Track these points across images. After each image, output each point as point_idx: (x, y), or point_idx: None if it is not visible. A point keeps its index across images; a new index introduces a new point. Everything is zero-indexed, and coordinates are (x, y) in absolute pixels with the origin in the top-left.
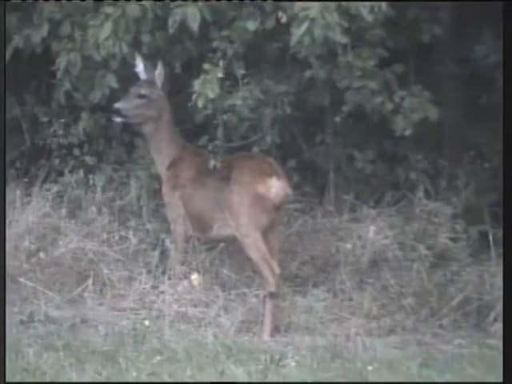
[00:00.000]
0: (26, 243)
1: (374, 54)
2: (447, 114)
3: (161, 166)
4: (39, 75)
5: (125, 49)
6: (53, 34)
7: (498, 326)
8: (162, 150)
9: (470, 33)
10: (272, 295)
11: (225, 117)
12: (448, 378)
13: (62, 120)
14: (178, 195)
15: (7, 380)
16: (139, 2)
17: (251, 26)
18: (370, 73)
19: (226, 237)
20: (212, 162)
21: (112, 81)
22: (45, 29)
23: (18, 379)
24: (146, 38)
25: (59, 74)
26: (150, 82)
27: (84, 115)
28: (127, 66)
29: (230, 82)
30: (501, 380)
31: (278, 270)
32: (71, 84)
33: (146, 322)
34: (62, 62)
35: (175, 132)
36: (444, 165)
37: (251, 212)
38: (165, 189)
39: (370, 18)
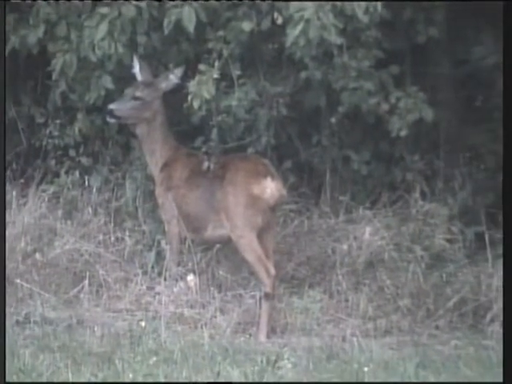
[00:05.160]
0: (22, 244)
1: (370, 54)
2: (443, 114)
3: (154, 168)
4: (35, 76)
5: (120, 49)
6: (49, 35)
7: (495, 327)
8: (155, 152)
9: (467, 34)
10: (268, 296)
11: (220, 118)
12: (444, 378)
13: (58, 121)
14: (172, 197)
15: (7, 380)
16: (135, 3)
17: (247, 26)
18: (365, 74)
19: (221, 237)
20: (206, 164)
21: (108, 82)
22: (41, 29)
23: (14, 380)
24: (141, 38)
25: (55, 75)
26: (146, 84)
27: (80, 116)
28: (123, 66)
29: (225, 83)
30: (499, 380)
31: (273, 271)
32: (67, 85)
33: (142, 323)
34: (57, 63)
35: (168, 134)
36: (440, 166)
37: (246, 213)
38: (158, 190)
39: (365, 18)
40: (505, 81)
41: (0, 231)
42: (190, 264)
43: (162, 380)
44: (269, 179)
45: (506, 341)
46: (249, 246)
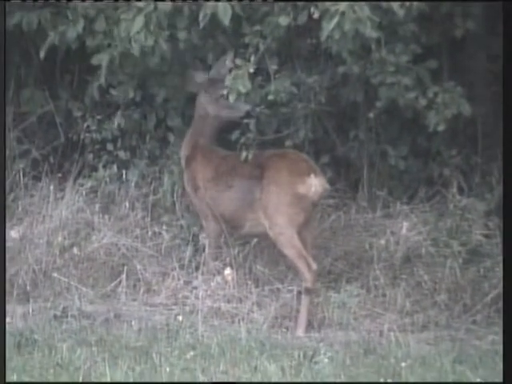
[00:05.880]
0: (60, 238)
1: (408, 49)
2: (480, 109)
3: (182, 162)
4: (73, 70)
5: (156, 43)
6: (88, 31)
7: None
8: (180, 148)
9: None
10: (308, 291)
11: (258, 110)
12: (481, 373)
13: (96, 115)
14: (201, 197)
15: (7, 380)
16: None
17: (283, 21)
18: (403, 68)
19: (260, 234)
20: (244, 154)
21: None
22: (80, 25)
23: (51, 374)
24: (177, 32)
25: (93, 70)
26: None
27: (118, 110)
28: (160, 60)
29: (262, 77)
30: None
31: (314, 266)
32: (105, 79)
33: (180, 318)
34: (103, 61)
35: (192, 128)
36: (477, 161)
37: (289, 211)
38: (187, 188)
39: (401, 12)
40: (505, 81)
41: (0, 230)
42: (227, 258)
43: (199, 374)
44: (312, 176)
45: (505, 341)
46: (289, 243)
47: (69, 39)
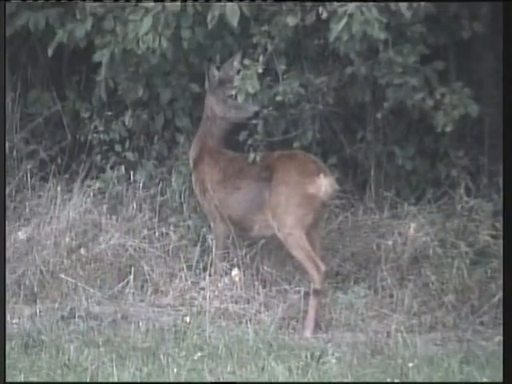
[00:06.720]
0: (67, 239)
1: (415, 50)
2: (488, 110)
3: (191, 163)
4: (80, 71)
5: (164, 44)
6: (96, 29)
7: None
8: (189, 149)
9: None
10: (317, 292)
11: (266, 111)
12: (488, 374)
13: (104, 116)
14: (209, 199)
15: (7, 380)
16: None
17: (291, 21)
18: (410, 69)
19: (268, 235)
20: (251, 156)
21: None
22: (88, 23)
23: (58, 374)
24: (185, 33)
25: (101, 70)
26: None
27: (126, 111)
28: (167, 61)
29: (270, 78)
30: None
31: (323, 267)
32: (113, 80)
33: (187, 319)
34: (104, 57)
35: (201, 129)
36: (485, 161)
37: (298, 212)
38: (195, 189)
39: (408, 14)
40: (505, 80)
41: (0, 229)
42: (234, 259)
43: (207, 375)
44: (322, 176)
45: (505, 340)
46: (298, 244)
47: (77, 37)
